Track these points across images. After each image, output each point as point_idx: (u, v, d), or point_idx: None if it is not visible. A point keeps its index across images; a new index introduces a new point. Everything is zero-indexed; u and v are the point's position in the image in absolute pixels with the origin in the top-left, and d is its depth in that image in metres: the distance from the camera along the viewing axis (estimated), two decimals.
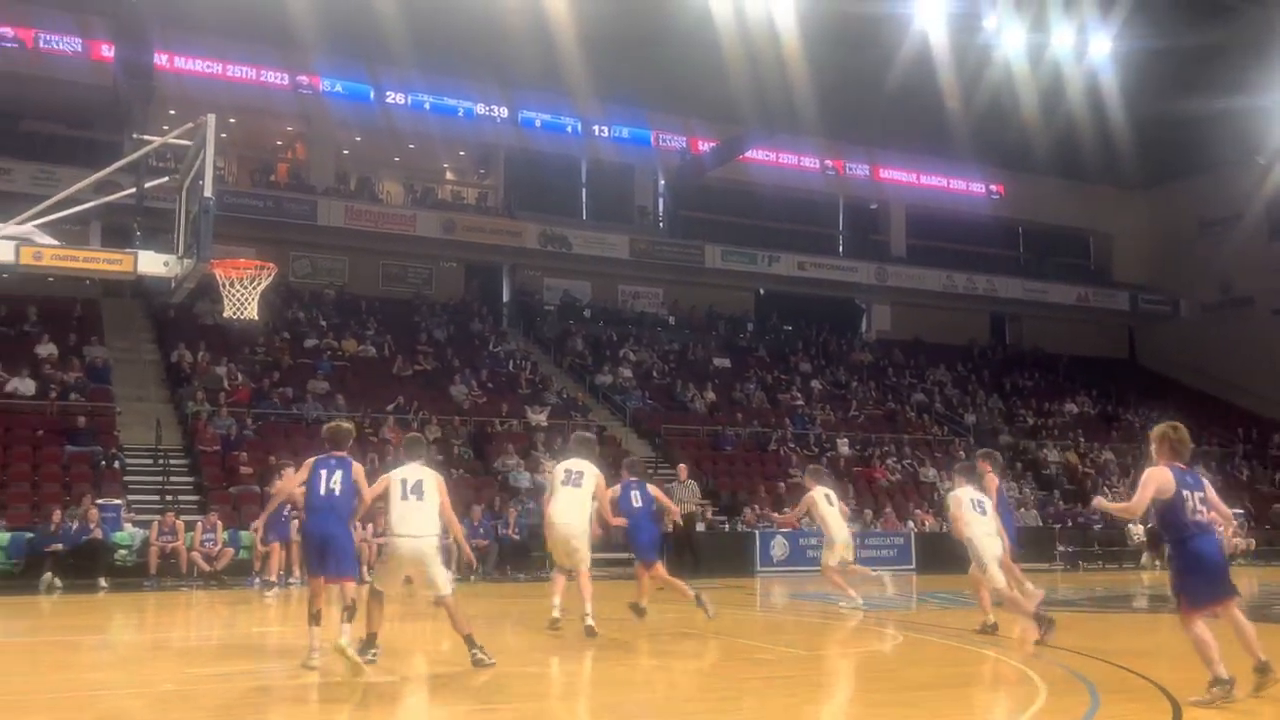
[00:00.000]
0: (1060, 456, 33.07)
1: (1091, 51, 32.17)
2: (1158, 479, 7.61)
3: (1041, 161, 38.59)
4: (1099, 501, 8.54)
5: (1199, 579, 7.58)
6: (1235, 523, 20.81)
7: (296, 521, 13.73)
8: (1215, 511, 7.85)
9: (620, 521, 11.99)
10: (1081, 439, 34.60)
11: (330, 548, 9.01)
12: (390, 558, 9.15)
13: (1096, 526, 28.14)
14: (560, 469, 11.55)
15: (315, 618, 9.00)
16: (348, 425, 9.74)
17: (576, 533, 11.16)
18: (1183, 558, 7.68)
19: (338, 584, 9.05)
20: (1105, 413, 38.55)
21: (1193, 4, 29.84)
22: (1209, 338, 41.98)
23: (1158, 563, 25.78)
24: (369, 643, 9.11)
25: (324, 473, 9.05)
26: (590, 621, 10.83)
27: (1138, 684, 8.48)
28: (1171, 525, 7.64)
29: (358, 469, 9.22)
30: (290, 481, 10.88)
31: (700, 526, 21.58)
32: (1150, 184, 43.37)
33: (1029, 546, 26.24)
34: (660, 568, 12.48)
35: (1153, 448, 7.84)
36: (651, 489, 12.74)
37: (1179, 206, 43.30)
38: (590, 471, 11.36)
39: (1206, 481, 7.98)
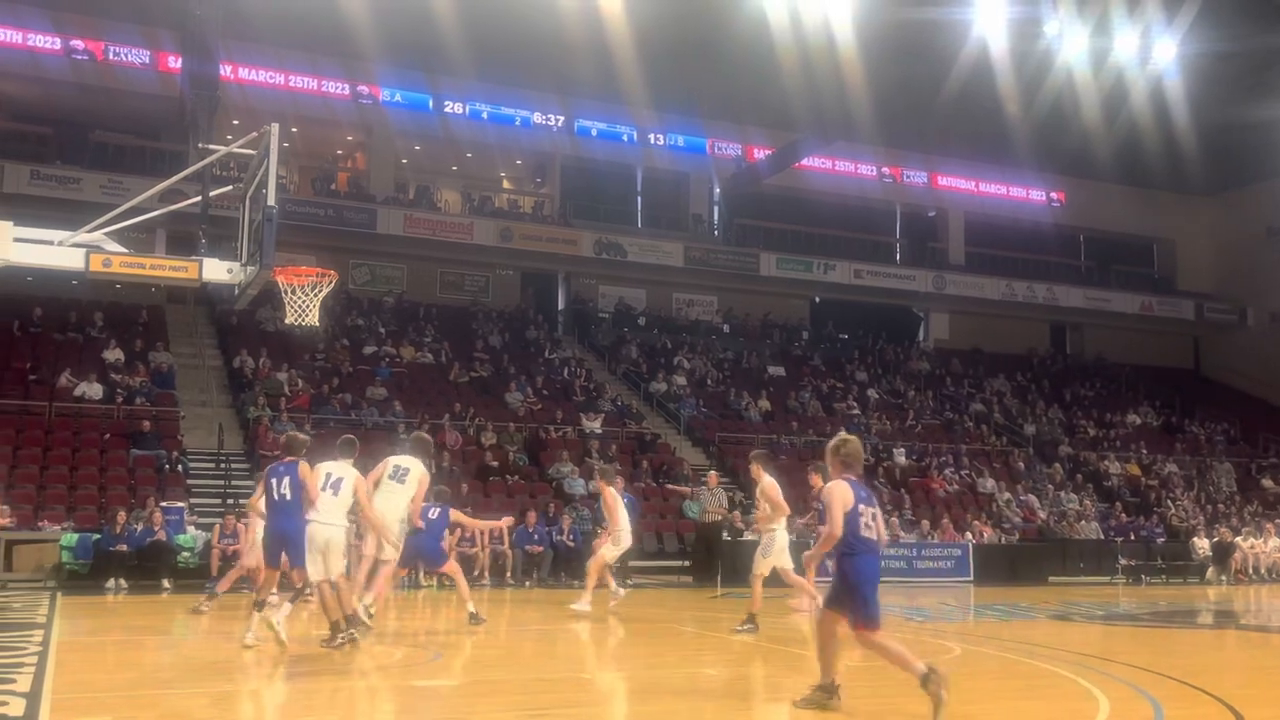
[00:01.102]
0: (1122, 468, 32.51)
1: (1156, 56, 31.63)
2: (841, 494, 7.31)
3: (1103, 168, 38.00)
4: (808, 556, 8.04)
5: (854, 596, 7.31)
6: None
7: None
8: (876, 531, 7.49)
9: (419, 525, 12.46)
10: (1144, 451, 33.98)
11: (288, 542, 10.15)
12: (309, 540, 10.19)
13: (1160, 540, 27.62)
14: (390, 463, 11.94)
15: (260, 605, 10.28)
16: (303, 437, 10.98)
17: (389, 524, 11.62)
18: (843, 573, 7.38)
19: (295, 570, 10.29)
20: (1169, 424, 37.84)
21: (1260, 7, 29.24)
22: (1277, 348, 41.03)
23: (1224, 578, 25.25)
24: (337, 628, 10.12)
25: (274, 480, 10.15)
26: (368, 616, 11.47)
27: (1203, 700, 8.31)
28: (840, 539, 7.28)
29: (303, 468, 10.18)
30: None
31: (726, 535, 21.39)
32: (1216, 190, 42.53)
33: (1089, 559, 25.98)
34: (450, 566, 13.24)
35: (826, 461, 7.63)
36: (453, 513, 13.83)
37: (1246, 213, 42.40)
38: (416, 471, 11.80)
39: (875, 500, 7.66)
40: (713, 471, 23.38)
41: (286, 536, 10.12)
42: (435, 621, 13.64)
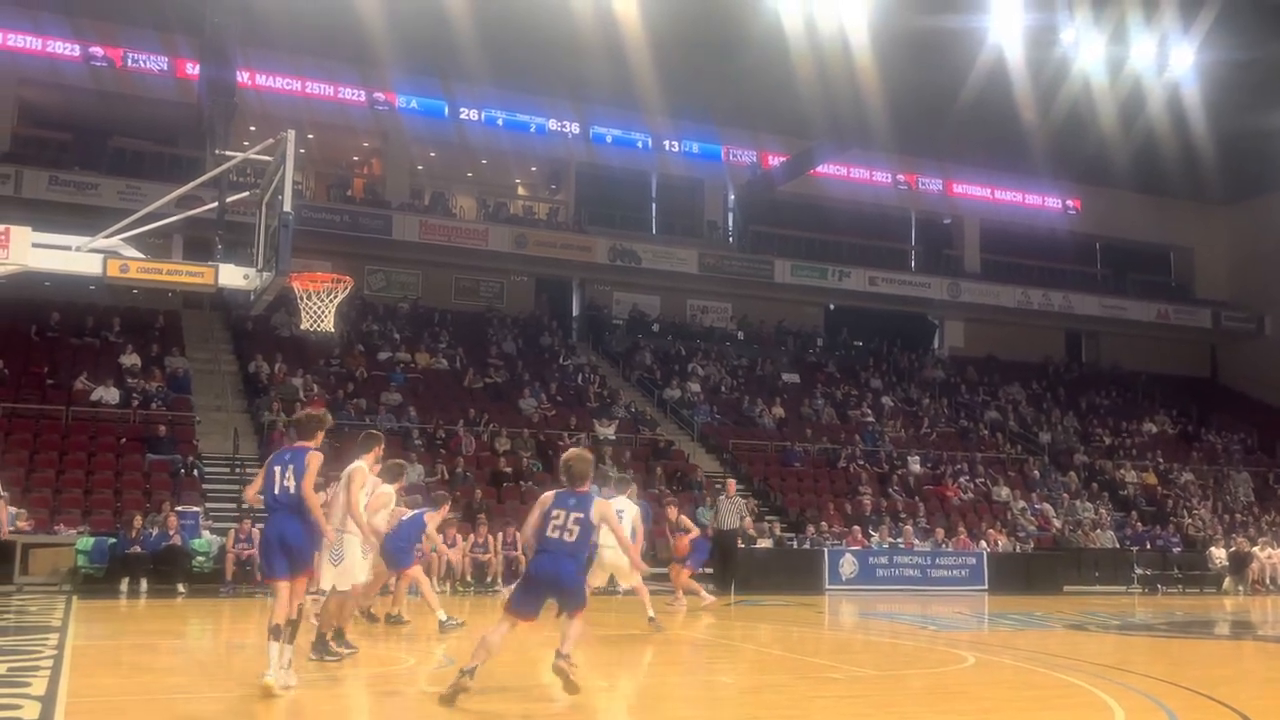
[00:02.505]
0: (1138, 477, 32.34)
1: (1173, 64, 31.47)
2: (542, 501, 8.11)
3: (1120, 176, 37.86)
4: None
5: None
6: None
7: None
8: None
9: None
10: (1160, 459, 33.80)
11: (290, 548, 8.89)
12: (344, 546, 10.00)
13: (1176, 550, 27.45)
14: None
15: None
16: (320, 414, 9.04)
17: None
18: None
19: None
20: (1185, 433, 37.64)
21: (1277, 14, 29.08)
22: None
23: (1241, 588, 25.08)
24: (336, 640, 10.05)
25: (276, 469, 8.44)
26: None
27: (1220, 712, 8.25)
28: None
29: (313, 458, 8.45)
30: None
31: (741, 544, 21.34)
32: (1234, 198, 42.32)
33: (1105, 569, 25.83)
34: (414, 571, 13.27)
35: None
36: (428, 518, 13.40)
37: (1263, 221, 42.15)
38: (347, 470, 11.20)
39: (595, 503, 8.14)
40: (730, 480, 23.35)
41: (285, 540, 8.30)
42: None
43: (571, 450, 8.54)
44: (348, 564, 10.02)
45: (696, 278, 36.03)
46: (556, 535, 7.97)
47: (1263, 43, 29.04)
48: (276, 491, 8.34)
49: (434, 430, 25.20)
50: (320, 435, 8.69)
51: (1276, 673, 8.99)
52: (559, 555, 8.00)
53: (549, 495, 8.12)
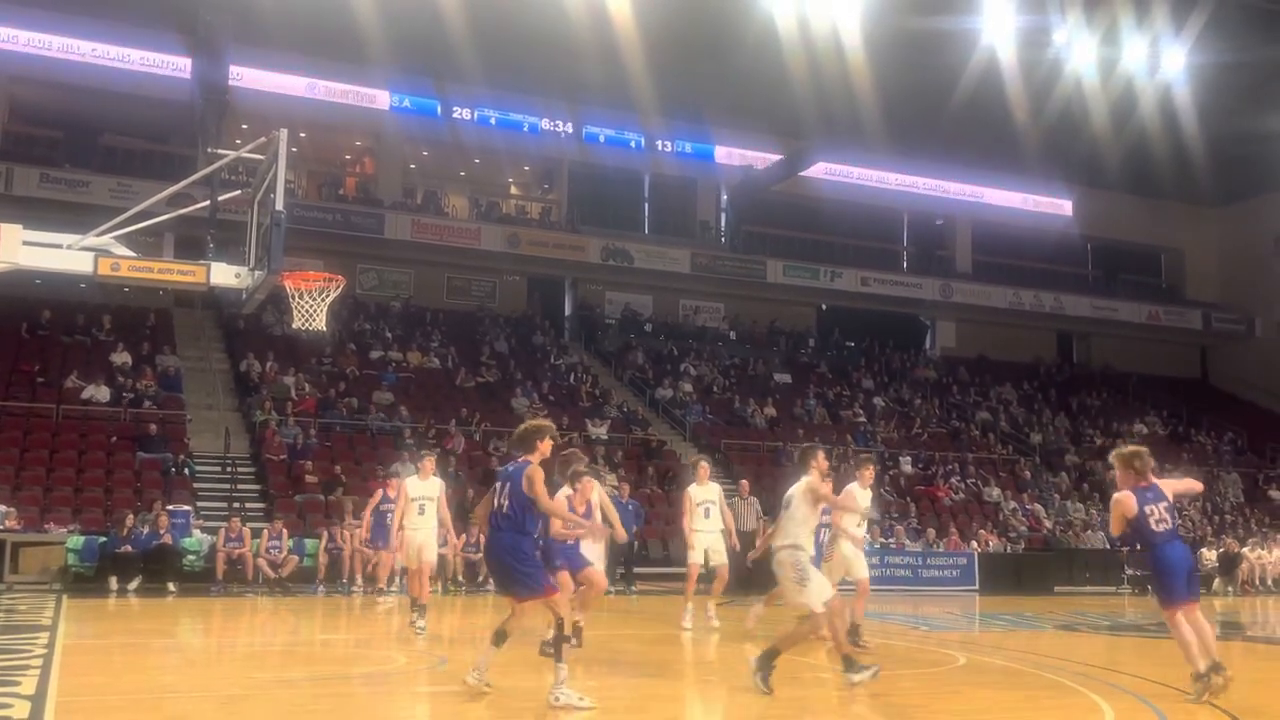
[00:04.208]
0: None
1: (1164, 66, 31.60)
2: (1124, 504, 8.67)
3: (1112, 177, 37.99)
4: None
5: (1168, 580, 8.58)
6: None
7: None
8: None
9: None
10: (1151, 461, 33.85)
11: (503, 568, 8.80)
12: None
13: None
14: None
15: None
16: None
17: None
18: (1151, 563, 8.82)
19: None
20: (1176, 434, 37.73)
21: (1268, 18, 29.22)
22: None
23: (1230, 589, 25.16)
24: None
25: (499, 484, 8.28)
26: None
27: (1209, 712, 8.27)
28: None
29: (534, 472, 8.10)
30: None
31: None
32: (1224, 200, 42.48)
33: (1095, 569, 25.90)
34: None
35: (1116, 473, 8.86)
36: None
37: (1254, 223, 42.34)
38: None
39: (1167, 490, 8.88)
40: (744, 480, 23.31)
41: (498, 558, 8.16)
42: (439, 627, 13.63)
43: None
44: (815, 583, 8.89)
45: (689, 277, 36.05)
46: (494, 506, 8.02)
47: (1254, 46, 29.18)
48: (493, 510, 8.14)
49: (426, 429, 25.18)
50: (543, 446, 8.18)
51: (1265, 673, 9.03)
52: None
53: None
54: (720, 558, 14.38)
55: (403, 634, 12.66)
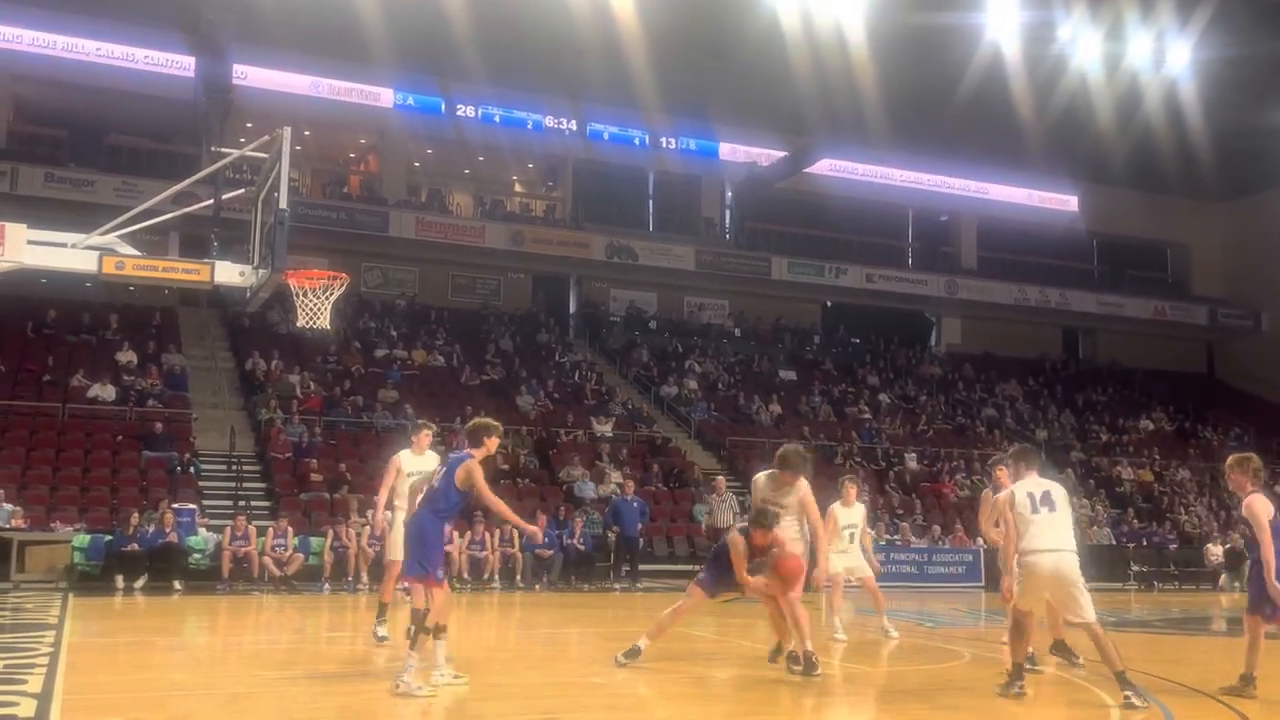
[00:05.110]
0: (1134, 474, 32.35)
1: (1170, 61, 31.51)
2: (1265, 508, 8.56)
3: (1117, 173, 37.91)
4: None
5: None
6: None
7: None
8: None
9: None
10: (1157, 456, 33.81)
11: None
12: None
13: (1172, 546, 27.47)
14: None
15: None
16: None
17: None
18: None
19: None
20: (1182, 429, 37.65)
21: (1274, 12, 29.12)
22: None
23: (1237, 585, 25.10)
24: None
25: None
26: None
27: (1216, 708, 8.26)
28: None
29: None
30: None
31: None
32: (1230, 195, 42.37)
33: (1101, 566, 25.83)
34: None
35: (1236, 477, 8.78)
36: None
37: (1260, 218, 42.23)
38: None
39: None
40: (719, 477, 23.35)
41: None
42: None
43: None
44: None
45: (693, 275, 36.03)
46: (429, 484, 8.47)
47: (1259, 40, 29.08)
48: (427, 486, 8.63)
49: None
50: (489, 443, 8.51)
51: (1272, 669, 9.01)
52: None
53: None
54: (865, 571, 13.23)
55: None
